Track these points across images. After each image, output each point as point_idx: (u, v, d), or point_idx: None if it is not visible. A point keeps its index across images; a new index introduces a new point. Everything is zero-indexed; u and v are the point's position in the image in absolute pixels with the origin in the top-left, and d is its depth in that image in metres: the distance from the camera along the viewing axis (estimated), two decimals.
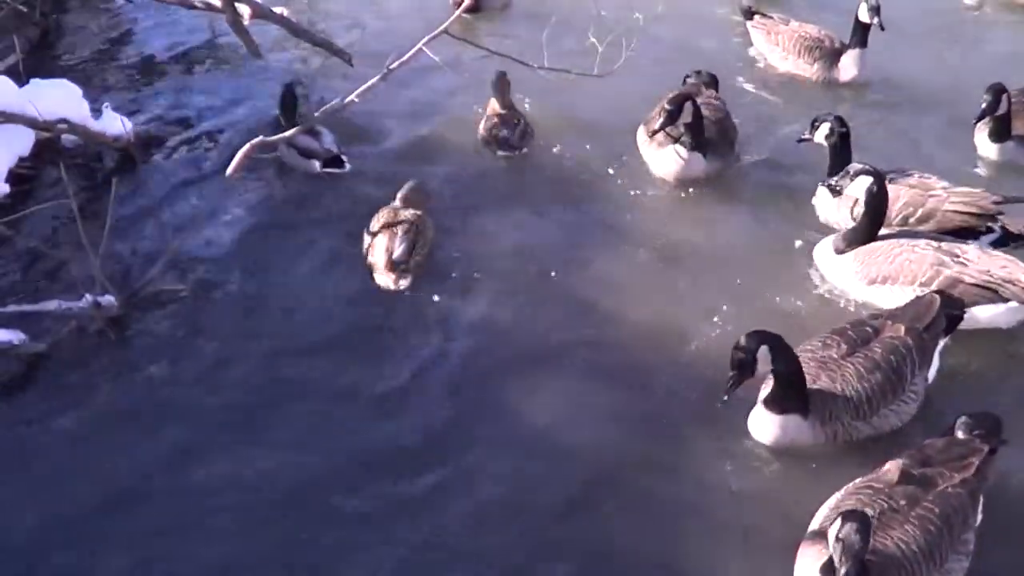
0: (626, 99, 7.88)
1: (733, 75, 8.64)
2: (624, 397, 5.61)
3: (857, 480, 4.84)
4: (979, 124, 7.70)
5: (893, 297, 6.06)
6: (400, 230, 6.39)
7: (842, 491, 4.83)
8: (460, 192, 7.23)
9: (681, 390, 5.63)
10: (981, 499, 4.78)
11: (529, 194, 7.28)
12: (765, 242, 6.84)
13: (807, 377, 5.37)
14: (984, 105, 7.50)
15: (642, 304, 6.22)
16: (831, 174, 6.83)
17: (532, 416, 5.44)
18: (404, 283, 6.26)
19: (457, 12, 6.92)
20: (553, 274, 6.45)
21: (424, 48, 6.09)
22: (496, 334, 5.99)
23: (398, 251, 6.30)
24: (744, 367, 5.14)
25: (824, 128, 6.96)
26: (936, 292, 5.85)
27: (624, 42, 7.05)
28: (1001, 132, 7.64)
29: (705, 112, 7.37)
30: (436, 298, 6.19)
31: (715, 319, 6.07)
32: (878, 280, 6.20)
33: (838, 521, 4.30)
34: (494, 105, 7.67)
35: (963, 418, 5.03)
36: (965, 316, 5.87)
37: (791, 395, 5.28)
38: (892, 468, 4.81)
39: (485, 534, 4.85)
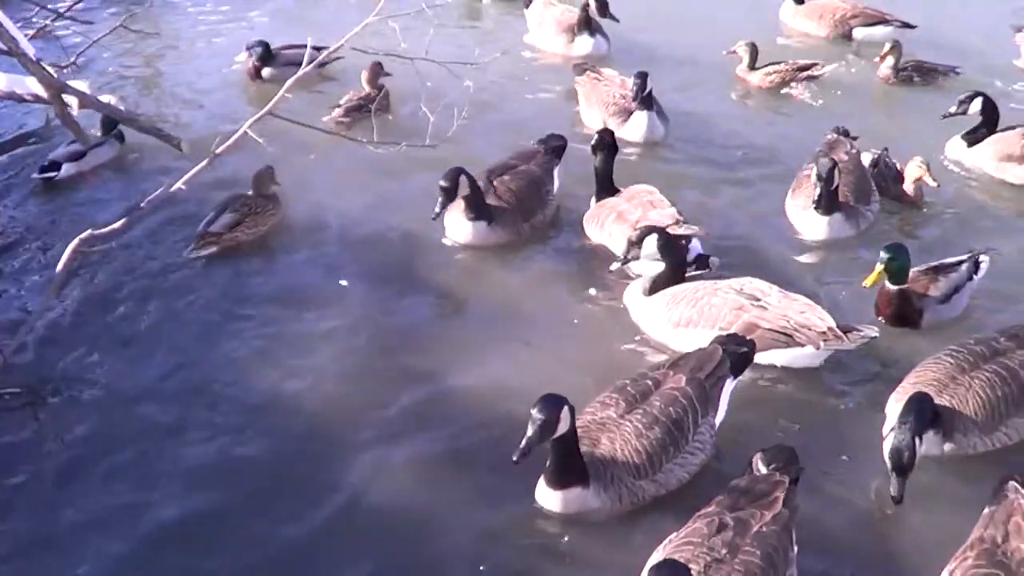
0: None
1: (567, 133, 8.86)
2: (429, 454, 5.75)
3: (672, 536, 4.89)
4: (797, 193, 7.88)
5: (696, 340, 6.30)
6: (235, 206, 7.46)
7: (660, 549, 4.87)
8: None
9: (485, 452, 5.69)
10: (793, 531, 4.92)
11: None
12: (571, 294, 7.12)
13: (587, 442, 5.37)
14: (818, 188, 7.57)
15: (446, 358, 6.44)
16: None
17: None
18: (205, 252, 7.22)
19: (281, 92, 7.01)
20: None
21: (248, 131, 6.20)
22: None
23: (216, 224, 7.37)
24: (543, 431, 5.08)
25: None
26: (726, 336, 6.07)
27: (456, 112, 7.26)
28: (830, 206, 7.65)
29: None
30: None
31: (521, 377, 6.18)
32: (681, 323, 6.46)
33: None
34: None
35: (759, 453, 5.28)
36: (765, 357, 6.20)
37: (569, 467, 5.25)
38: (701, 522, 4.86)
39: None
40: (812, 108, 9.92)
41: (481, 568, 5.10)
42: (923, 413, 5.45)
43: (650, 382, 5.68)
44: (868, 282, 6.73)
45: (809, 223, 7.78)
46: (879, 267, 6.64)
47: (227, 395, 6.19)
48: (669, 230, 6.95)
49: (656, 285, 6.75)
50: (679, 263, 6.86)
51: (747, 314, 6.34)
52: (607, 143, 7.88)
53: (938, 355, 6.04)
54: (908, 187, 8.08)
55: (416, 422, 5.99)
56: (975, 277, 6.98)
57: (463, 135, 7.61)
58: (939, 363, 5.93)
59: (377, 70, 9.57)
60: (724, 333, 6.17)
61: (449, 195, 7.21)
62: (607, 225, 7.50)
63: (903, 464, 5.28)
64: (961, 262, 6.99)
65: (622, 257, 6.83)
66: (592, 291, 7.17)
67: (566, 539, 5.27)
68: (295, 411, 6.08)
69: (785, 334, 6.24)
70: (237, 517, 5.37)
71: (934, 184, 7.97)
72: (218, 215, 7.54)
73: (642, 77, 8.93)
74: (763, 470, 5.20)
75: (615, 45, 11.02)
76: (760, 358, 6.23)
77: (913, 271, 6.83)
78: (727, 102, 10.21)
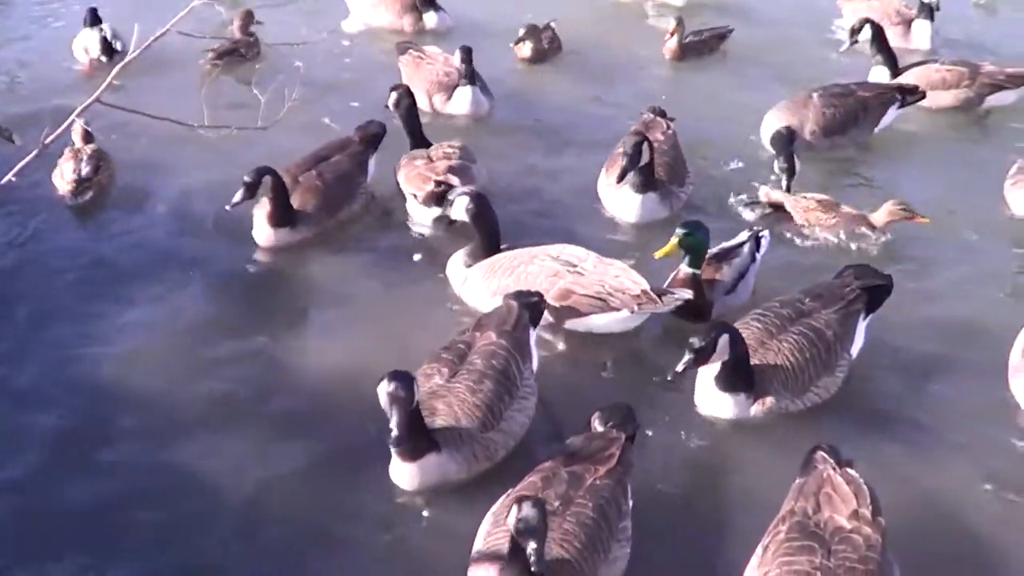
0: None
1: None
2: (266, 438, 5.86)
3: (509, 491, 5.08)
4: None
5: None
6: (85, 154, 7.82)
7: (492, 512, 5.06)
8: None
9: (327, 435, 5.85)
10: (629, 486, 5.13)
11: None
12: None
13: (425, 413, 5.43)
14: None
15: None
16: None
17: None
18: (86, 197, 7.65)
19: (108, 79, 6.94)
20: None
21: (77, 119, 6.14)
22: None
23: (84, 170, 7.74)
24: (405, 406, 5.17)
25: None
26: (514, 292, 6.27)
27: (287, 92, 7.21)
28: (644, 184, 7.65)
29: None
30: None
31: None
32: (499, 292, 6.56)
33: (514, 508, 4.45)
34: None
35: (597, 412, 5.48)
36: (583, 323, 6.44)
37: (418, 437, 5.31)
38: (536, 476, 5.06)
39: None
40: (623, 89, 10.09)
41: (336, 550, 5.21)
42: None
43: (462, 345, 5.86)
44: (659, 253, 6.73)
45: (622, 201, 7.86)
46: (673, 240, 6.62)
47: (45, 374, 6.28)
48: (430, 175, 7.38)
49: (474, 255, 6.92)
50: (493, 230, 6.96)
51: (563, 280, 6.49)
52: (402, 98, 8.07)
53: (745, 320, 6.26)
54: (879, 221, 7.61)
55: (248, 408, 6.07)
56: (758, 256, 7.06)
57: (294, 118, 7.55)
58: (747, 328, 6.14)
59: (248, 19, 9.73)
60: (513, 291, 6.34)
61: (250, 191, 7.15)
62: (408, 177, 7.79)
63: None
64: (742, 244, 7.05)
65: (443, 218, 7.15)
66: (416, 256, 7.40)
67: (424, 512, 5.42)
68: (108, 393, 6.15)
69: (599, 299, 6.40)
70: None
71: (925, 221, 7.51)
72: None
73: (467, 51, 9.04)
74: (600, 428, 5.40)
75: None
76: (578, 324, 6.49)
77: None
78: (560, 77, 10.37)
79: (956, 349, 6.66)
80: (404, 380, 5.18)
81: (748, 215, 7.78)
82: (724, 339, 5.75)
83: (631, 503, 5.15)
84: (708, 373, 5.99)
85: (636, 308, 6.39)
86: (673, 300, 6.46)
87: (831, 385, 6.16)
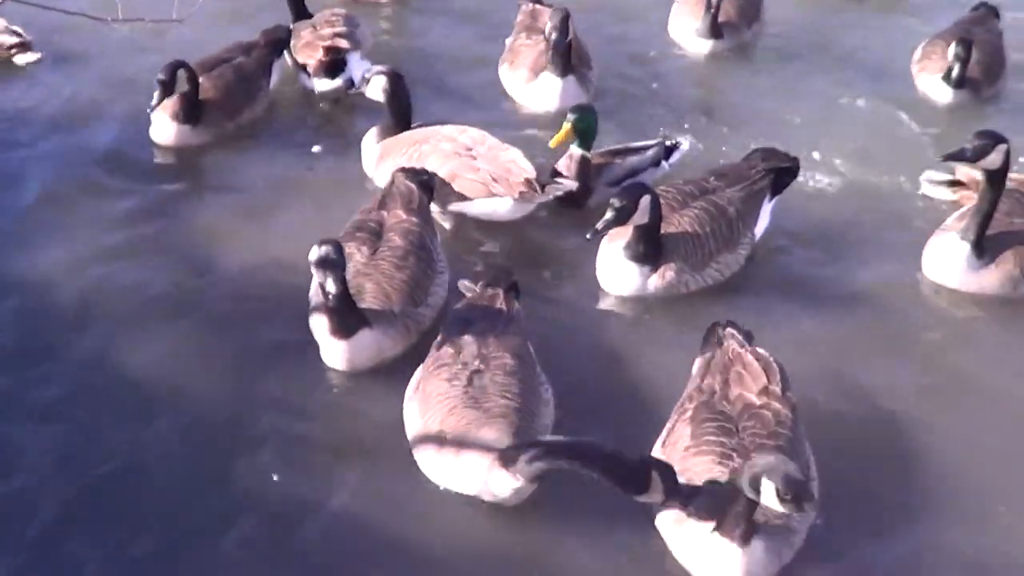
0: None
1: None
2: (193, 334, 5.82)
3: (418, 371, 5.20)
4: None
5: None
6: None
7: (414, 382, 5.16)
8: None
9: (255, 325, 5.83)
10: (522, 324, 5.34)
11: None
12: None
13: (352, 292, 5.42)
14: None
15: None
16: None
17: None
18: None
19: None
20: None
21: None
22: None
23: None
24: (338, 272, 5.23)
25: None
26: (403, 169, 6.31)
27: None
28: (565, 67, 7.49)
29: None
30: None
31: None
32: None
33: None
34: None
35: (464, 280, 5.76)
36: (469, 207, 6.47)
37: (348, 314, 5.34)
38: (443, 348, 5.14)
39: None
40: None
41: (265, 440, 5.19)
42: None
43: (373, 223, 5.91)
44: (553, 142, 6.60)
45: (542, 89, 7.68)
46: (566, 126, 6.49)
47: None
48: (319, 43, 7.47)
49: (384, 132, 6.93)
50: (405, 110, 6.94)
51: (452, 162, 6.51)
52: None
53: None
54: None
55: (162, 304, 6.03)
56: (665, 163, 6.97)
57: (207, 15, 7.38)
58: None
59: None
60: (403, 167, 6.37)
61: (166, 89, 6.98)
62: (298, 49, 7.82)
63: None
64: (650, 146, 6.96)
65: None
66: (316, 148, 7.40)
67: (352, 396, 5.44)
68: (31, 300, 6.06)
69: (483, 184, 6.39)
70: None
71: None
72: None
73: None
74: (477, 289, 5.57)
75: None
76: (463, 208, 6.51)
77: (604, 149, 6.85)
78: None
79: (863, 227, 6.79)
80: (335, 245, 5.24)
81: (931, 191, 7.02)
82: (646, 200, 5.77)
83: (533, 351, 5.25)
84: (611, 248, 6.05)
85: (517, 196, 6.41)
86: (555, 189, 6.42)
87: (732, 263, 6.21)
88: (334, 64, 7.73)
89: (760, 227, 6.46)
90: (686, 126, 7.71)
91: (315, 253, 5.19)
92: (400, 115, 6.93)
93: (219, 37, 8.10)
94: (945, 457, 5.20)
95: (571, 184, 6.51)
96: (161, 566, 4.64)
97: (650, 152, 6.95)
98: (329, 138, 7.55)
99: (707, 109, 8.10)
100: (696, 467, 4.62)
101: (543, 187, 6.40)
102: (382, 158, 6.85)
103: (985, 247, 6.14)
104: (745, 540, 4.40)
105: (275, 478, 5.00)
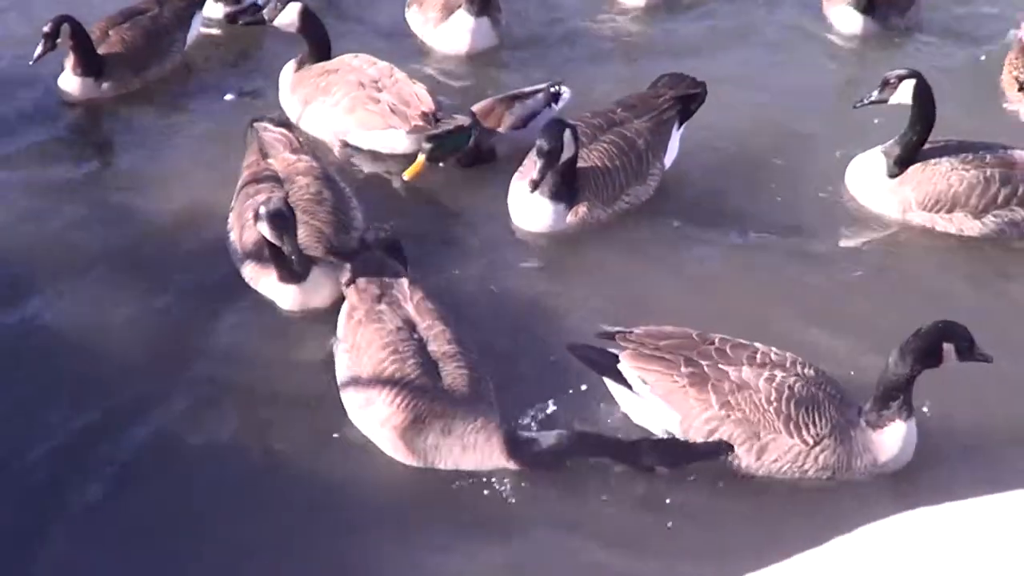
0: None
1: None
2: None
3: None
4: None
5: (314, 119, 6.73)
6: None
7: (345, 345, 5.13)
8: None
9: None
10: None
11: None
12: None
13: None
14: None
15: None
16: None
17: None
18: None
19: None
20: None
21: None
22: None
23: None
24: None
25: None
26: None
27: None
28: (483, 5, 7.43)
29: None
30: None
31: None
32: (307, 101, 6.73)
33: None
34: None
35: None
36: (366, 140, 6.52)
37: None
38: (361, 316, 5.10)
39: None
40: None
41: (193, 384, 5.26)
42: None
43: (269, 172, 5.95)
44: (408, 175, 6.36)
45: (453, 30, 7.59)
46: (421, 157, 6.35)
47: None
48: None
49: (301, 63, 6.92)
50: (322, 40, 6.94)
51: (355, 92, 6.54)
52: None
53: None
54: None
55: (80, 255, 6.02)
56: (553, 107, 6.83)
57: None
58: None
59: None
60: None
61: (49, 41, 6.87)
62: None
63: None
64: (537, 91, 6.85)
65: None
66: (229, 96, 7.36)
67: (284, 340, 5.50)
68: None
69: (382, 116, 6.43)
70: None
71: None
72: None
73: None
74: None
75: None
76: (360, 140, 6.56)
77: (489, 100, 6.76)
78: None
79: (773, 147, 6.89)
80: (283, 200, 5.33)
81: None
82: (568, 134, 5.76)
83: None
84: (522, 187, 6.06)
85: (410, 128, 6.37)
86: (448, 124, 6.40)
87: (642, 193, 6.27)
88: None
89: (669, 157, 6.51)
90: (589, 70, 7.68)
91: (266, 211, 5.15)
92: (317, 45, 6.91)
93: None
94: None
95: (464, 119, 6.50)
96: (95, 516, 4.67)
97: (540, 95, 6.81)
98: (244, 83, 7.51)
99: (617, 50, 8.11)
100: None
101: (438, 121, 6.41)
102: (294, 88, 6.86)
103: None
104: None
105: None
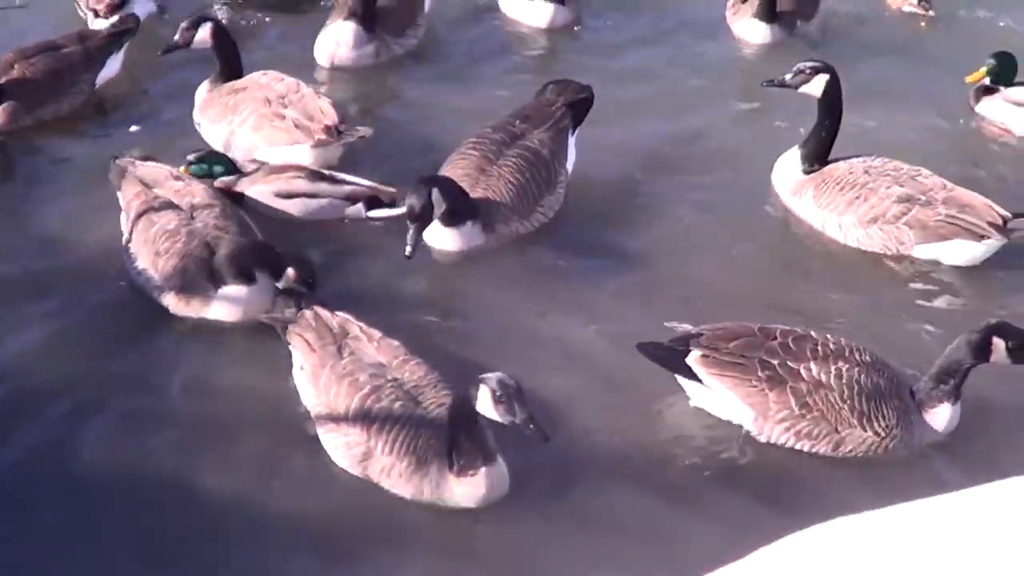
0: None
1: None
2: None
3: None
4: None
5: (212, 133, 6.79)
6: None
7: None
8: None
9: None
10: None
11: None
12: None
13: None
14: None
15: None
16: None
17: None
18: None
19: None
20: None
21: None
22: None
23: None
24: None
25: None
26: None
27: None
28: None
29: None
30: None
31: None
32: (215, 120, 6.81)
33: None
34: None
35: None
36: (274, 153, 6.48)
37: None
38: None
39: None
40: None
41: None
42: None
43: (182, 202, 5.95)
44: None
45: (333, 37, 7.56)
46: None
47: None
48: None
49: (213, 81, 6.96)
50: (231, 57, 7.00)
51: (262, 109, 6.60)
52: None
53: (461, 150, 6.28)
54: None
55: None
56: (360, 208, 6.32)
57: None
58: (465, 158, 6.19)
59: None
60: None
61: None
62: None
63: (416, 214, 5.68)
64: (361, 187, 6.38)
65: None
66: (134, 128, 7.25)
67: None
68: None
69: (287, 131, 6.49)
70: None
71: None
72: None
73: None
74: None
75: None
76: (269, 157, 6.53)
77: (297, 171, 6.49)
78: None
79: (672, 146, 7.06)
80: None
81: None
82: (435, 192, 5.71)
83: None
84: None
85: (314, 143, 6.42)
86: (350, 135, 6.50)
87: (555, 203, 6.34)
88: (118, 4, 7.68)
89: (570, 162, 6.59)
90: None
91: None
92: (228, 63, 6.95)
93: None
94: None
95: (367, 131, 6.56)
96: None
97: (360, 191, 6.34)
98: (149, 116, 7.46)
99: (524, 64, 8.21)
100: None
101: (340, 134, 6.47)
102: (204, 108, 6.89)
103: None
104: None
105: None
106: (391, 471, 4.73)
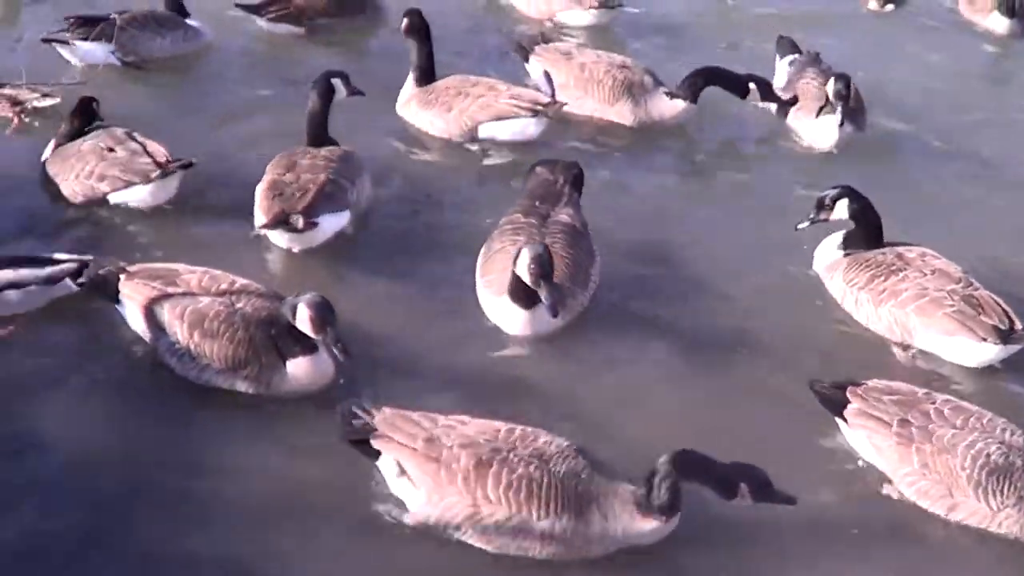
0: None
1: None
2: None
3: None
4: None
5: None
6: None
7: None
8: None
9: None
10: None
11: None
12: None
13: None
14: None
15: None
16: None
17: None
18: None
19: None
20: None
21: None
22: None
23: None
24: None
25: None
26: None
27: None
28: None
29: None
30: None
31: None
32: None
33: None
34: None
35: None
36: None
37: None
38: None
39: None
40: None
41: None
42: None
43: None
44: None
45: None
46: None
47: None
48: None
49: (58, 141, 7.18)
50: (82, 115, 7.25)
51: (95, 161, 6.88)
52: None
53: (503, 236, 6.40)
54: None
55: None
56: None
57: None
58: (515, 244, 6.19)
59: None
60: None
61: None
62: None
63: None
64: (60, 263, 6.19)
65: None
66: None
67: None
68: None
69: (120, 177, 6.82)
70: None
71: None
72: None
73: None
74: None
75: None
76: (120, 199, 6.84)
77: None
78: None
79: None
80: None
81: None
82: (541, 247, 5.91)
83: None
84: (500, 301, 6.18)
85: (143, 180, 6.77)
86: (177, 167, 6.84)
87: (597, 271, 6.49)
88: None
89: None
90: None
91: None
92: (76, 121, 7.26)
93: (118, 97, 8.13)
94: None
95: (192, 159, 6.94)
96: None
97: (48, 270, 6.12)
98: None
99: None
100: None
101: (169, 163, 6.84)
102: (56, 164, 7.08)
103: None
104: None
105: None
106: (557, 541, 4.92)
